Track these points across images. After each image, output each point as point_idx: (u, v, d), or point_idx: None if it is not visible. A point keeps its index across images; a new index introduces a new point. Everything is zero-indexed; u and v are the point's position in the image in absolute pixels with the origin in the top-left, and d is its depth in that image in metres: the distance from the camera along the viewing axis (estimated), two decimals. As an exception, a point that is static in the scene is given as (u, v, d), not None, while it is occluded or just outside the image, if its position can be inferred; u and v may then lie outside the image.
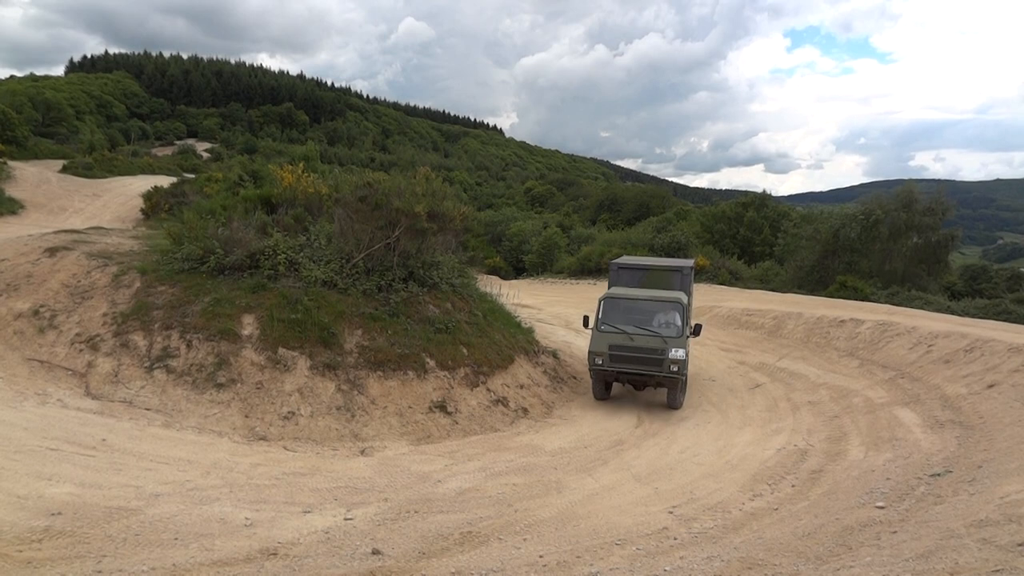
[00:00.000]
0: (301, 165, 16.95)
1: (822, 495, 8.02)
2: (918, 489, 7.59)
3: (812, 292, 26.72)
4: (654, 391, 13.36)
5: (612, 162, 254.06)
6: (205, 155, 78.84)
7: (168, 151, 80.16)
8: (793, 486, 8.46)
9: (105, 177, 42.31)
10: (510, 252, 39.07)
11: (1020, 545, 4.99)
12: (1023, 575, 4.45)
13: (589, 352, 12.36)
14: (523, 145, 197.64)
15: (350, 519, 6.80)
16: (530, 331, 14.30)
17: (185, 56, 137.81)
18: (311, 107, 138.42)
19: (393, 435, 9.83)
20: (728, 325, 20.21)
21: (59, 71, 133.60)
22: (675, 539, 6.69)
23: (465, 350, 11.72)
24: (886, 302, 22.88)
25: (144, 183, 36.91)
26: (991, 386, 11.26)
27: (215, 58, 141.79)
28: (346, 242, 12.41)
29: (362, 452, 9.22)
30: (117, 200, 35.25)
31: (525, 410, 11.62)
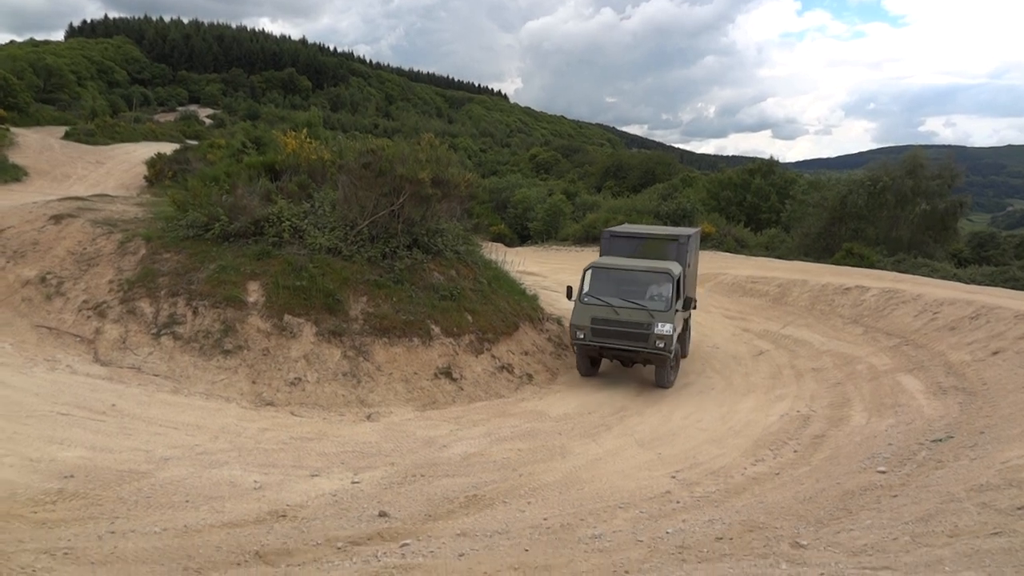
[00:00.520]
0: (304, 132, 16.82)
1: (824, 460, 8.09)
2: (919, 454, 7.65)
3: (818, 259, 26.62)
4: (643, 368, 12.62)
5: (618, 128, 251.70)
6: (208, 121, 78.35)
7: (170, 117, 79.71)
8: (795, 451, 8.54)
9: (108, 144, 42.13)
10: (515, 219, 38.92)
11: (1020, 509, 5.05)
12: (1022, 537, 4.51)
13: (571, 325, 11.75)
14: (528, 111, 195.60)
15: (357, 483, 6.91)
16: (535, 298, 14.32)
17: (186, 20, 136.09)
18: (314, 72, 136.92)
19: (399, 401, 9.92)
20: (733, 292, 20.20)
21: (59, 36, 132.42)
22: (677, 503, 6.79)
23: (470, 317, 11.76)
24: (892, 269, 22.79)
25: (147, 150, 36.74)
26: (996, 353, 11.26)
27: (216, 22, 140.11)
28: (350, 209, 12.38)
29: (368, 417, 9.33)
30: (121, 167, 35.13)
31: (530, 376, 11.70)
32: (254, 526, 5.60)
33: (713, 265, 23.63)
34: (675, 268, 11.67)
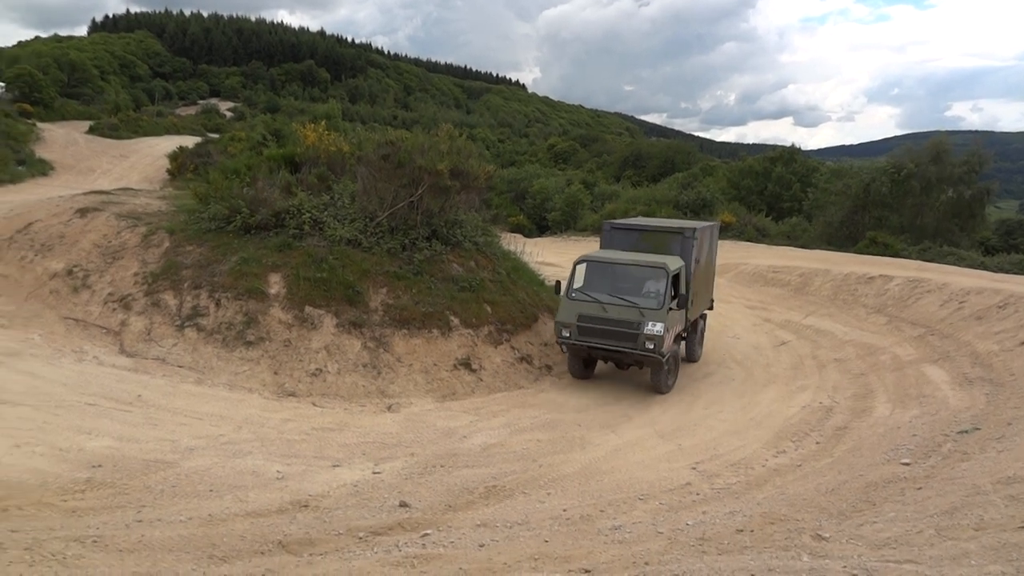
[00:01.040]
0: (323, 124, 16.89)
1: (846, 452, 8.02)
2: (945, 446, 7.55)
3: (841, 248, 26.26)
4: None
5: (636, 117, 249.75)
6: (228, 114, 78.99)
7: (192, 111, 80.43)
8: (817, 443, 8.47)
9: (131, 138, 42.68)
10: (533, 210, 38.82)
11: (1048, 502, 4.97)
12: (1050, 532, 4.44)
13: (556, 322, 10.87)
14: (546, 100, 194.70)
15: (378, 473, 6.97)
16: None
17: (205, 14, 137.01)
18: (332, 64, 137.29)
19: (419, 392, 9.98)
20: (754, 282, 20.02)
21: (82, 31, 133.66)
22: (698, 494, 6.77)
23: (489, 308, 11.77)
24: (917, 258, 22.45)
25: (169, 143, 37.16)
26: (1024, 343, 11.07)
27: (235, 16, 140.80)
28: (370, 201, 12.43)
29: (389, 408, 9.39)
30: (144, 161, 35.58)
31: (549, 367, 11.70)
32: (277, 516, 5.68)
33: (734, 255, 23.43)
34: (672, 263, 10.65)
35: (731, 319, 15.92)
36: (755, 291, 19.04)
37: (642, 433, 8.99)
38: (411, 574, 4.42)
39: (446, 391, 10.16)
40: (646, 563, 4.77)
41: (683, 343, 12.00)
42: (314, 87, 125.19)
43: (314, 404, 9.20)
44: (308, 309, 10.52)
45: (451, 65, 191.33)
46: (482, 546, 5.22)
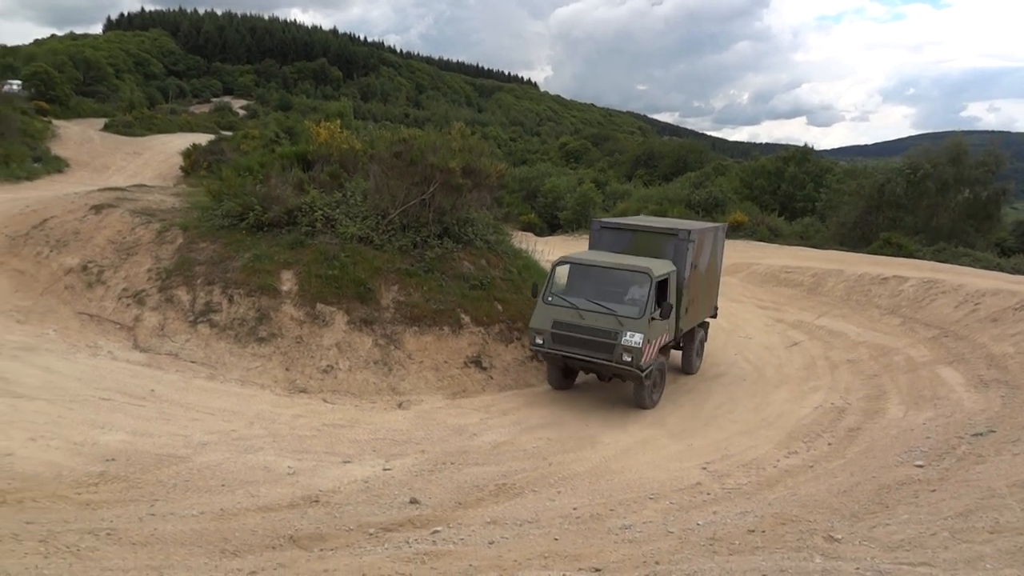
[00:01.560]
0: (337, 122, 16.94)
1: (859, 453, 7.96)
2: (959, 448, 7.48)
3: (854, 249, 26.06)
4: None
5: (649, 116, 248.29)
6: (241, 112, 79.30)
7: (205, 108, 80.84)
8: (829, 444, 8.42)
9: (145, 135, 42.96)
10: (545, 208, 38.77)
11: (1064, 506, 4.91)
12: (1066, 536, 4.39)
13: (529, 328, 10.00)
14: (558, 99, 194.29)
15: (388, 469, 6.99)
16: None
17: (219, 12, 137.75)
18: (344, 63, 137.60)
19: (429, 389, 9.99)
20: (766, 282, 19.91)
21: (97, 29, 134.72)
22: (708, 494, 6.74)
23: (500, 306, 11.77)
24: (931, 259, 22.25)
25: (183, 141, 37.39)
26: (1040, 345, 10.94)
27: (248, 14, 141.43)
28: (381, 198, 12.46)
29: (399, 405, 9.41)
30: (157, 158, 35.82)
31: (559, 366, 11.67)
32: (288, 511, 5.71)
33: (746, 254, 23.31)
34: (659, 268, 9.74)
35: (743, 319, 15.84)
36: (767, 291, 18.93)
37: (652, 432, 8.97)
38: (421, 570, 4.43)
39: (457, 388, 10.17)
40: (656, 562, 4.75)
41: (681, 352, 11.79)
42: (326, 85, 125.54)
43: (325, 400, 9.23)
44: (320, 306, 10.56)
45: (463, 63, 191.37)
46: (492, 543, 5.22)
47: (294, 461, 6.92)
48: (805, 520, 5.62)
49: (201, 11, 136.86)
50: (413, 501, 6.17)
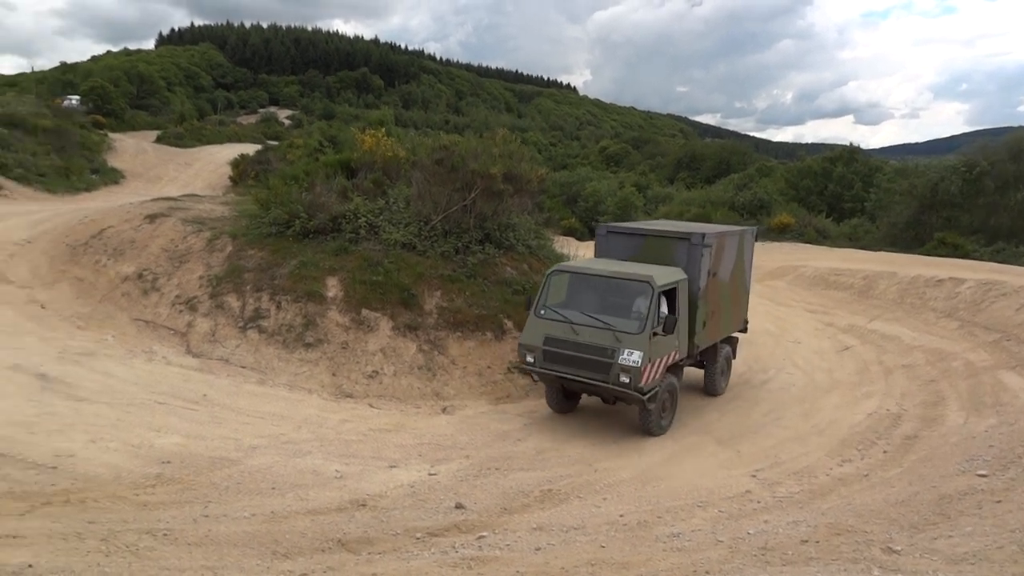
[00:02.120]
0: (382, 131, 17.18)
1: (917, 462, 7.69)
2: (1024, 458, 7.16)
3: (907, 250, 25.27)
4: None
5: (689, 118, 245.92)
6: (287, 122, 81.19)
7: (252, 119, 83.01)
8: (885, 452, 8.16)
9: (195, 146, 44.31)
10: (585, 213, 38.60)
11: None
12: None
13: (519, 345, 9.08)
14: (597, 103, 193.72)
15: (434, 474, 7.02)
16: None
17: (265, 25, 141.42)
18: (386, 71, 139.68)
19: (473, 394, 10.02)
20: (814, 285, 19.44)
21: (150, 45, 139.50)
22: (758, 502, 6.60)
23: (542, 311, 11.74)
24: (990, 260, 21.43)
25: (231, 151, 38.40)
26: (1110, 350, 10.43)
27: (293, 26, 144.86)
28: (424, 205, 12.57)
29: (443, 410, 9.46)
30: (207, 168, 36.85)
31: (603, 371, 11.59)
32: (336, 514, 5.78)
33: (793, 257, 22.83)
34: (663, 276, 8.65)
35: (791, 323, 15.50)
36: (816, 294, 18.49)
37: (698, 439, 8.82)
38: (469, 576, 4.43)
39: (500, 394, 10.18)
40: (707, 572, 4.67)
41: (703, 371, 10.67)
42: (368, 94, 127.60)
43: (371, 405, 9.33)
44: (364, 312, 10.69)
45: (502, 69, 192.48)
46: (538, 550, 5.20)
47: (341, 465, 7.01)
48: (861, 530, 5.45)
49: (248, 24, 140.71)
50: (459, 506, 6.19)
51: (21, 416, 7.12)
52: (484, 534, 5.50)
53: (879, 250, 25.63)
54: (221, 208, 14.93)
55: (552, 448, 8.18)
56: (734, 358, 11.41)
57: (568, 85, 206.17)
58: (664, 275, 8.71)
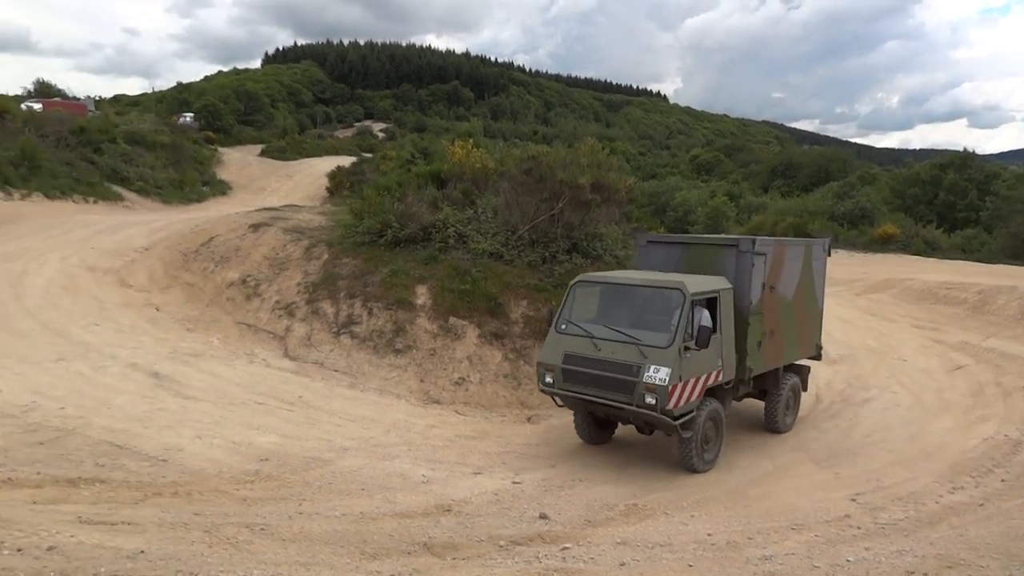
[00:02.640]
0: (470, 141, 17.49)
1: (1040, 493, 7.06)
2: None
3: (1029, 263, 23.40)
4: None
5: (786, 124, 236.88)
6: (380, 135, 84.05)
7: (348, 133, 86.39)
8: (1003, 480, 7.53)
9: (296, 159, 46.55)
10: (675, 223, 37.87)
11: None
12: None
13: (537, 364, 8.21)
14: (688, 111, 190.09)
15: (518, 483, 7.03)
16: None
17: (361, 42, 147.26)
18: (476, 84, 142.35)
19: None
20: (922, 299, 18.26)
21: (256, 64, 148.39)
22: (859, 528, 6.23)
23: (629, 322, 11.58)
24: None
25: (328, 163, 40.09)
26: None
27: (388, 42, 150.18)
28: (511, 215, 12.68)
29: (528, 419, 9.47)
30: (306, 180, 38.60)
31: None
32: (422, 518, 5.88)
33: (899, 269, 21.57)
34: (698, 284, 7.65)
35: (896, 339, 14.61)
36: (924, 309, 17.36)
37: (794, 457, 8.43)
38: (552, 587, 4.40)
39: (585, 405, 10.08)
40: (802, 598, 4.45)
41: (764, 403, 9.35)
42: (459, 106, 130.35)
43: (457, 412, 9.47)
44: (452, 320, 10.88)
45: (591, 79, 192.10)
46: (623, 565, 5.10)
47: (428, 470, 7.13)
48: (976, 565, 5.05)
49: (346, 42, 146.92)
50: (542, 516, 6.16)
51: (137, 411, 7.67)
52: (568, 546, 5.45)
53: (997, 263, 23.84)
54: (319, 218, 15.59)
55: (638, 462, 8.03)
56: (804, 390, 9.98)
57: (658, 93, 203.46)
58: (700, 283, 7.73)
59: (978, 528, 6.10)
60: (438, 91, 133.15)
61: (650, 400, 7.05)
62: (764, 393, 9.29)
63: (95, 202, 23.72)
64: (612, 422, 8.59)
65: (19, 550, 3.84)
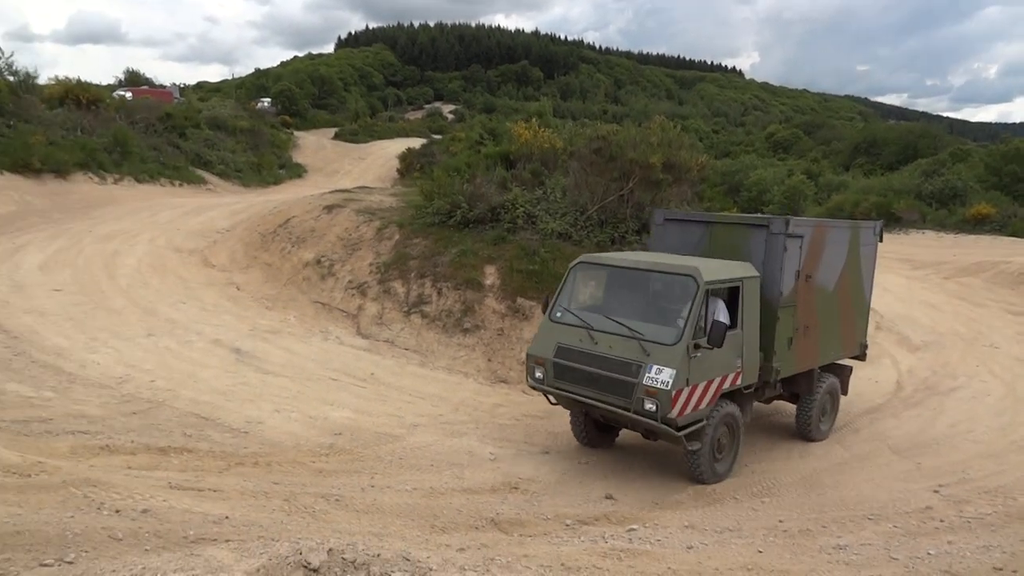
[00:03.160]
0: (534, 122, 17.41)
1: None
2: None
3: None
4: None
5: (871, 99, 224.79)
6: (450, 116, 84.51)
7: (418, 115, 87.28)
8: (1104, 477, 7.06)
9: (367, 141, 47.43)
10: (749, 202, 36.72)
11: None
12: None
13: (527, 356, 7.29)
14: (765, 87, 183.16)
15: (584, 463, 7.07)
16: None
17: (431, 24, 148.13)
18: (545, 63, 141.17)
19: (625, 386, 9.92)
20: (1018, 284, 17.16)
21: (330, 48, 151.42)
22: (941, 521, 5.96)
23: (700, 304, 11.36)
24: None
25: (399, 146, 40.69)
26: None
27: (457, 23, 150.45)
28: (580, 195, 12.60)
29: (595, 400, 9.45)
30: (378, 162, 39.34)
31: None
32: (490, 495, 5.98)
33: (993, 252, 20.33)
34: (715, 270, 6.57)
35: (986, 325, 13.82)
36: (1020, 294, 16.32)
37: (872, 447, 8.12)
38: (619, 567, 4.40)
39: (653, 387, 9.99)
40: (878, 590, 4.31)
41: (796, 407, 8.26)
42: (528, 86, 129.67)
43: (523, 392, 9.53)
44: (520, 300, 10.93)
45: (663, 56, 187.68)
46: (690, 548, 5.06)
47: (495, 448, 7.24)
48: (1070, 564, 4.77)
49: (416, 24, 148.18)
50: (608, 497, 6.17)
51: (220, 385, 8.07)
52: (634, 527, 5.44)
53: (1105, 244, 22.14)
54: (390, 199, 15.90)
55: (707, 446, 7.91)
56: (844, 393, 8.78)
57: (733, 69, 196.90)
58: (719, 269, 6.67)
59: (1075, 526, 5.74)
60: (507, 71, 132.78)
61: (650, 406, 6.04)
62: (796, 397, 8.18)
63: (181, 185, 24.89)
64: (610, 428, 7.57)
65: (117, 511, 4.13)
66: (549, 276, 11.18)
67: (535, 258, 11.47)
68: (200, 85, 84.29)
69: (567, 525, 5.43)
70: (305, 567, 3.08)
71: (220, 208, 18.82)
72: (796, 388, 8.04)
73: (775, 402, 8.57)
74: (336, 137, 48.29)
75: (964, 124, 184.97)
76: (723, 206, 34.15)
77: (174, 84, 59.13)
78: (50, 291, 10.99)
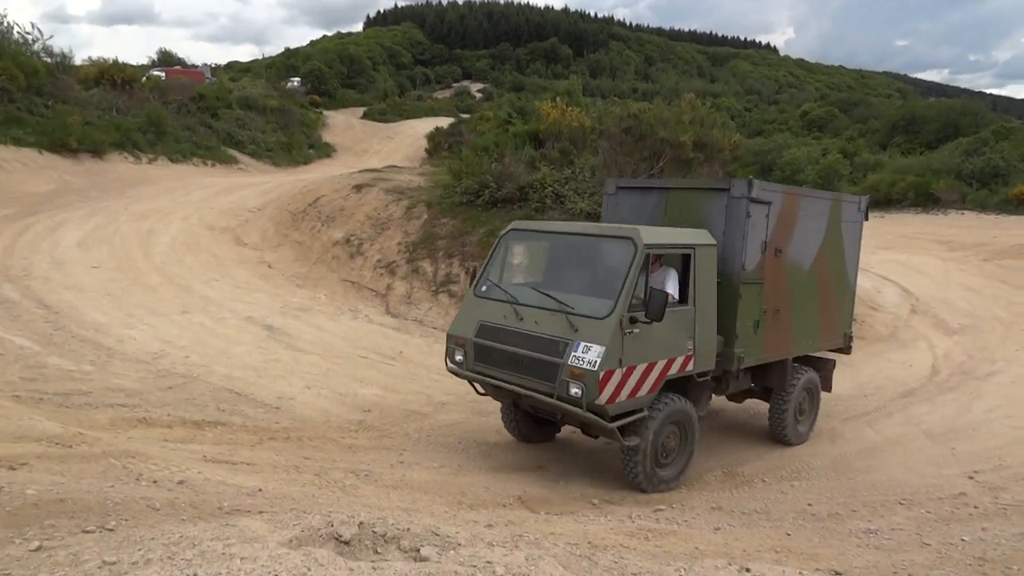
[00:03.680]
0: (559, 100, 17.24)
1: None
2: None
3: None
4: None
5: (910, 75, 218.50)
6: (478, 95, 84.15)
7: (446, 94, 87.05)
8: None
9: (396, 121, 47.50)
10: (782, 182, 36.09)
11: None
12: None
13: (447, 335, 6.35)
14: (800, 63, 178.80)
15: (610, 443, 7.04)
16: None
17: (460, 1, 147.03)
18: (574, 40, 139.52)
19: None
20: (1061, 267, 16.67)
21: (358, 27, 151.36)
22: (976, 507, 5.86)
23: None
24: None
25: (427, 125, 40.67)
26: None
27: (486, 0, 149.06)
28: (609, 174, 12.48)
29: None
30: (406, 141, 39.37)
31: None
32: (517, 473, 6.03)
33: (1034, 233, 19.71)
34: (660, 235, 5.69)
35: (1027, 309, 13.46)
36: (1063, 277, 15.85)
37: (904, 431, 7.99)
38: (645, 546, 4.42)
39: (681, 368, 9.93)
40: (909, 574, 4.26)
41: (769, 405, 7.29)
42: (557, 64, 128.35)
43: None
44: (548, 280, 10.91)
45: (695, 32, 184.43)
46: (717, 529, 5.05)
47: (522, 427, 7.26)
48: (1111, 553, 4.66)
49: (444, 2, 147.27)
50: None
51: (253, 361, 8.22)
52: (661, 507, 5.45)
53: None
54: (418, 179, 15.92)
55: (737, 427, 7.87)
56: (827, 390, 7.88)
57: (767, 45, 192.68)
58: (665, 234, 5.77)
59: (1116, 515, 5.60)
60: (536, 49, 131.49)
61: (575, 391, 5.13)
62: (769, 392, 7.26)
63: (213, 165, 25.20)
64: (545, 421, 6.63)
65: (154, 482, 4.24)
66: (577, 256, 11.14)
67: (563, 238, 11.42)
68: (231, 65, 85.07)
69: (594, 504, 5.45)
70: (336, 539, 3.13)
71: (251, 187, 19.03)
72: (767, 382, 7.14)
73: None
74: (365, 116, 48.41)
75: (1009, 101, 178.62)
76: (755, 186, 33.55)
77: (205, 64, 59.67)
78: (88, 268, 11.26)
